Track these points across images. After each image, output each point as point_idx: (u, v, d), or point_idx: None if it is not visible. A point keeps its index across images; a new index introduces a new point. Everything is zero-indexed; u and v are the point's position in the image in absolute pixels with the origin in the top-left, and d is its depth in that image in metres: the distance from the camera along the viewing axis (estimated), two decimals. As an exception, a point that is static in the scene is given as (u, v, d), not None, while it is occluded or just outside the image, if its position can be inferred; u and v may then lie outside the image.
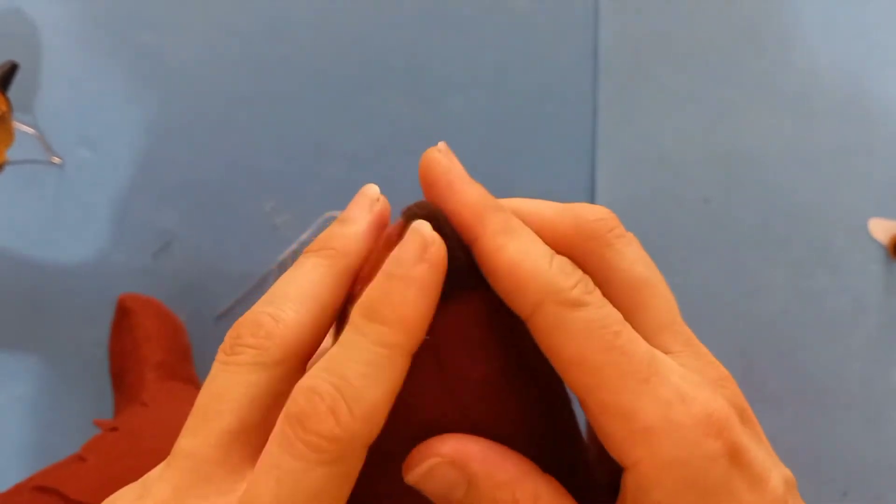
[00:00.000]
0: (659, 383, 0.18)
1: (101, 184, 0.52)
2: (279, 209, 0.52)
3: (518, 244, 0.19)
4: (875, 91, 0.55)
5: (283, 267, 0.50)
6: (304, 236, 0.52)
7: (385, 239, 0.20)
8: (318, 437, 0.17)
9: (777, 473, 0.19)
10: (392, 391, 0.17)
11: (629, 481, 0.18)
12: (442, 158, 0.21)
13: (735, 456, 0.18)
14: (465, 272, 0.20)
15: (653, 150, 0.54)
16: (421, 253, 0.19)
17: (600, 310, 0.18)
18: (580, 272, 0.19)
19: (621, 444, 0.18)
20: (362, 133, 0.53)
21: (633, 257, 0.21)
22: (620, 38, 0.55)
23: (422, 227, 0.19)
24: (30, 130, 0.51)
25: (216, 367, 0.19)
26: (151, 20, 0.54)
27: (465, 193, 0.20)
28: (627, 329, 0.18)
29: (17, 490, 0.32)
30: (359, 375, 0.17)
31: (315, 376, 0.17)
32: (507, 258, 0.19)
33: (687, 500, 0.17)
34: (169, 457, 0.19)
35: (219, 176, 0.52)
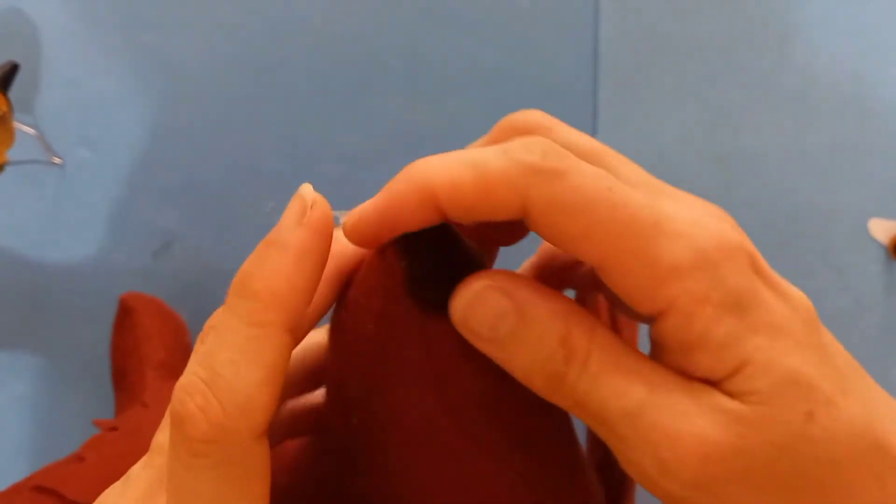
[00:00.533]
0: (669, 221, 0.17)
1: (101, 184, 0.52)
2: (279, 209, 0.52)
3: (471, 161, 0.17)
4: (876, 91, 0.55)
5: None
6: (304, 236, 0.52)
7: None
8: (194, 442, 0.15)
9: (796, 290, 0.18)
10: (271, 375, 0.16)
11: (667, 325, 0.17)
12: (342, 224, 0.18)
13: (757, 268, 0.17)
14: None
15: (653, 150, 0.54)
16: (299, 217, 0.17)
17: (581, 172, 0.16)
18: (537, 137, 0.17)
19: (652, 292, 0.17)
20: (362, 133, 0.53)
21: (576, 133, 0.19)
22: (621, 37, 0.55)
23: (303, 189, 0.18)
24: (30, 131, 0.51)
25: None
26: (152, 21, 0.54)
27: (391, 191, 0.17)
28: (613, 180, 0.17)
29: (16, 489, 0.32)
30: (229, 364, 0.16)
31: (188, 371, 0.16)
32: (470, 181, 0.16)
33: (728, 319, 0.16)
34: (148, 452, 0.18)
35: (219, 176, 0.52)
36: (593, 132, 0.54)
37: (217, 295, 0.53)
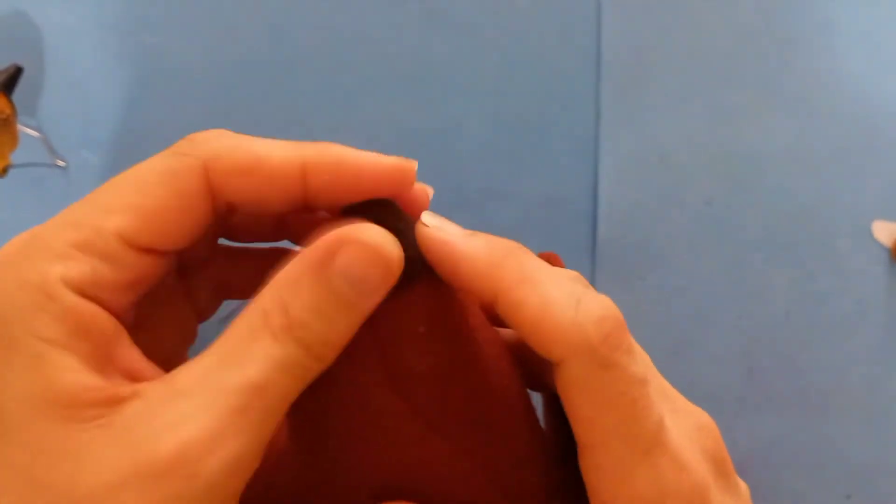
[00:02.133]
0: (660, 454, 0.18)
1: (104, 186, 0.52)
2: (282, 211, 0.52)
3: (539, 294, 0.18)
4: (879, 93, 0.55)
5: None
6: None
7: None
8: None
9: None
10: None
11: None
12: (431, 229, 0.19)
13: None
14: (414, 264, 0.19)
15: (655, 152, 0.54)
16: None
17: (625, 372, 0.18)
18: (611, 319, 0.18)
19: (612, 502, 0.18)
20: (365, 136, 0.53)
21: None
22: (623, 40, 0.55)
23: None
24: (34, 133, 0.52)
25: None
26: (155, 23, 0.55)
27: (469, 251, 0.18)
28: (646, 392, 0.18)
29: None
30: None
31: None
32: (530, 313, 0.17)
33: None
34: None
35: (222, 178, 0.52)
36: (595, 134, 0.54)
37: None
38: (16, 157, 0.48)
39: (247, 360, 0.16)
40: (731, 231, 0.53)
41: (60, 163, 0.52)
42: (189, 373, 0.17)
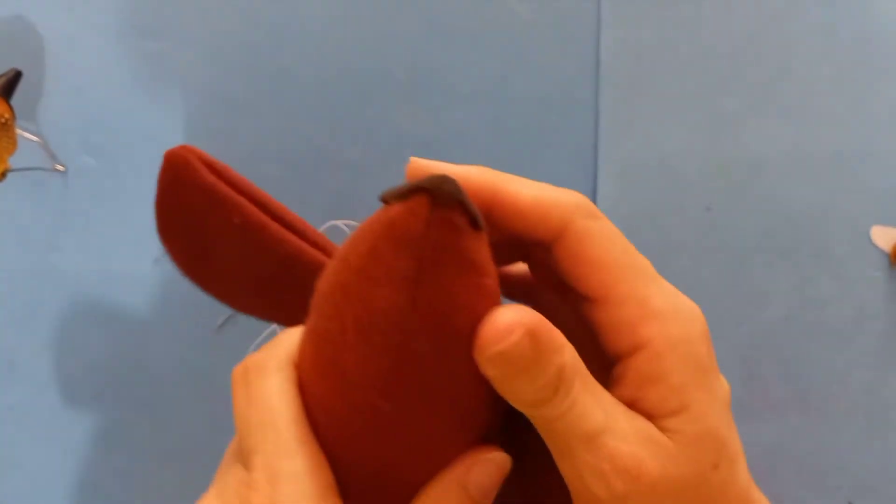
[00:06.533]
0: (663, 282, 0.22)
1: (103, 191, 0.52)
2: (281, 217, 0.52)
3: (532, 186, 0.23)
4: (877, 99, 0.55)
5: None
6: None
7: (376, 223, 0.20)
8: None
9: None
10: None
11: (638, 361, 0.21)
12: (421, 159, 0.24)
13: (711, 353, 0.22)
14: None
15: (654, 159, 0.54)
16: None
17: (611, 223, 0.22)
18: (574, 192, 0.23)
19: (636, 326, 0.21)
20: (365, 142, 0.53)
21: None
22: (622, 47, 0.55)
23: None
24: (33, 138, 0.52)
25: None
26: (155, 28, 0.55)
27: (466, 170, 0.24)
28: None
29: None
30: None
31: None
32: (529, 196, 0.22)
33: (687, 371, 0.21)
34: None
35: (221, 183, 0.52)
36: (595, 141, 0.54)
37: (218, 305, 0.53)
38: (15, 161, 0.48)
39: None
40: (731, 237, 0.53)
41: (59, 167, 0.52)
42: None
